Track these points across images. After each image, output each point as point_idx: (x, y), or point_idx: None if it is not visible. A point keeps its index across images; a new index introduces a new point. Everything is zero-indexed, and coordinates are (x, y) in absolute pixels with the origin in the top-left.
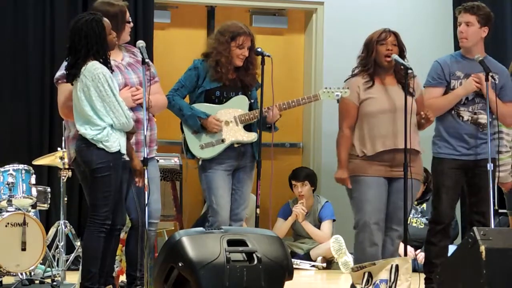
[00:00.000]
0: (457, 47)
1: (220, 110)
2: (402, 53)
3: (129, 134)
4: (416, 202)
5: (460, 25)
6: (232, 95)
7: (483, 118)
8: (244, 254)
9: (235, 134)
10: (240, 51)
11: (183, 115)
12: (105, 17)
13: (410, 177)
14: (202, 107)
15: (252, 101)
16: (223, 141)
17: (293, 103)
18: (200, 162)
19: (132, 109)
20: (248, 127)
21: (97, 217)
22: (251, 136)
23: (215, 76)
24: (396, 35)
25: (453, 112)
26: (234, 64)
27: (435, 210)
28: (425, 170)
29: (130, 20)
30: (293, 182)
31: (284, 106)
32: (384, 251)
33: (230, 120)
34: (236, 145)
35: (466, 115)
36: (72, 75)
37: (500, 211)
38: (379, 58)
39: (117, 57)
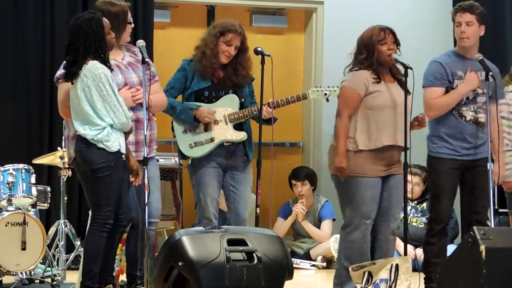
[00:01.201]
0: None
1: (210, 109)
2: (398, 48)
3: (125, 134)
4: (416, 202)
5: (460, 25)
6: (222, 94)
7: (483, 117)
8: (244, 253)
9: (224, 133)
10: (227, 48)
11: (175, 111)
12: (106, 16)
13: (410, 172)
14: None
15: (243, 99)
16: (212, 140)
17: (282, 102)
18: (189, 161)
19: (132, 108)
20: (238, 126)
21: (100, 216)
22: (240, 135)
23: (200, 70)
24: (393, 32)
25: (454, 112)
26: (218, 59)
27: (435, 211)
28: (425, 169)
29: (132, 21)
30: (293, 182)
31: (273, 105)
32: (379, 250)
33: (219, 119)
34: (226, 144)
35: (468, 115)
36: (72, 74)
37: (500, 210)
38: (382, 58)
39: (118, 56)
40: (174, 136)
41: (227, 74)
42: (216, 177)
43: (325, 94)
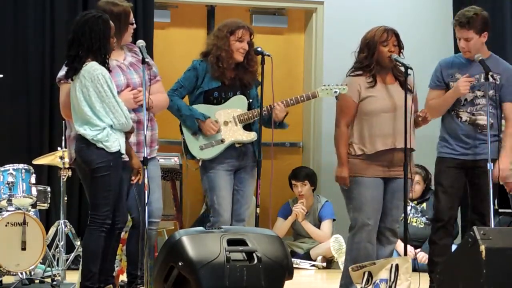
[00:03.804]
0: (457, 47)
1: (219, 110)
2: (400, 52)
3: (127, 134)
4: (415, 202)
5: (459, 40)
6: (230, 95)
7: (483, 119)
8: (244, 253)
9: (234, 134)
10: (240, 45)
11: (181, 116)
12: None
13: (410, 177)
14: (201, 108)
15: (250, 100)
16: (222, 141)
17: (292, 101)
18: (200, 163)
19: (133, 109)
20: (247, 127)
21: (98, 216)
22: (251, 136)
23: (216, 73)
24: (396, 35)
25: (452, 112)
26: (234, 59)
27: (435, 209)
28: (425, 168)
29: (134, 21)
30: (293, 182)
31: (283, 105)
32: (380, 251)
33: (229, 120)
34: (237, 145)
35: (464, 116)
36: (73, 69)
37: (500, 210)
38: (382, 59)
39: (119, 57)
40: (183, 137)
41: (238, 73)
42: (229, 180)
43: (335, 92)
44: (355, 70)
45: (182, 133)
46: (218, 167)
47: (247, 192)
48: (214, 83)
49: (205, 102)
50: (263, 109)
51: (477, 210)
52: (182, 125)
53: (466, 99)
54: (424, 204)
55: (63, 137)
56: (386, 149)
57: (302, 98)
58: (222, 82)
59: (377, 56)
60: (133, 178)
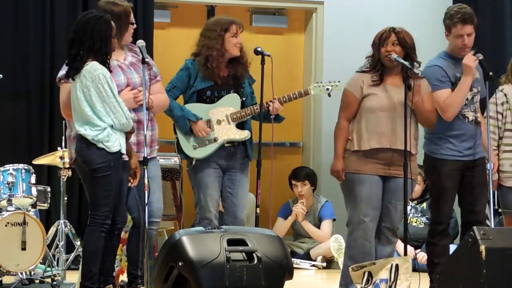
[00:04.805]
0: None
1: (212, 109)
2: (408, 50)
3: (127, 134)
4: (416, 202)
5: (460, 37)
6: (223, 94)
7: (480, 117)
8: (244, 253)
9: (227, 132)
10: (236, 40)
11: (173, 116)
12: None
13: (410, 177)
14: (194, 107)
15: (244, 98)
16: (215, 140)
17: (284, 99)
18: (194, 162)
19: (134, 109)
20: (240, 126)
21: (98, 216)
22: (244, 134)
23: (206, 74)
24: (396, 33)
25: (457, 113)
26: (230, 55)
27: (438, 212)
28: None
29: (134, 21)
30: (293, 182)
31: (284, 99)
32: (380, 251)
33: (222, 118)
34: (226, 145)
35: (470, 115)
36: (74, 69)
37: (500, 210)
38: (383, 59)
39: (120, 57)
40: (176, 137)
41: (231, 69)
42: (216, 178)
43: (327, 89)
44: (365, 67)
45: (175, 132)
46: (207, 166)
47: (240, 194)
48: (207, 82)
49: (198, 101)
50: (256, 107)
51: (474, 209)
52: (175, 124)
53: (467, 98)
54: (424, 204)
55: (63, 137)
56: (381, 147)
57: (294, 96)
58: (215, 81)
59: (378, 57)
60: (130, 179)
